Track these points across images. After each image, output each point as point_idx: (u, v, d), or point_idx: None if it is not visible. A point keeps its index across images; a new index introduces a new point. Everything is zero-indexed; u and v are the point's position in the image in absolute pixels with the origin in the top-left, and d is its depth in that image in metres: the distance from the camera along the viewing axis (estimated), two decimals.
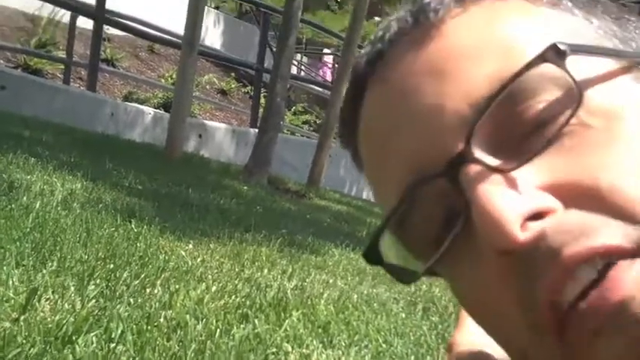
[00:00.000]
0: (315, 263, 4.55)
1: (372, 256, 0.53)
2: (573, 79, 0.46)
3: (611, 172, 0.44)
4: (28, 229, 3.25)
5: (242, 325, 2.85)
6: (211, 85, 15.37)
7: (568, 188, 0.45)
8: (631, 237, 0.42)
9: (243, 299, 3.17)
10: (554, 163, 0.46)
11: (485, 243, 0.45)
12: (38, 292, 2.54)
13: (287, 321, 3.00)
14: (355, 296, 3.78)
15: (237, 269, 3.72)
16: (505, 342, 0.50)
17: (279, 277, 3.80)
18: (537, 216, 0.44)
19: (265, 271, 3.86)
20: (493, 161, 0.46)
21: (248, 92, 15.25)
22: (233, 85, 15.75)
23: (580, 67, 0.47)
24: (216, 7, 20.09)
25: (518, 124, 0.47)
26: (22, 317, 2.33)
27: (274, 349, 2.67)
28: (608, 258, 0.42)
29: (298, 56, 19.89)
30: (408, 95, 0.51)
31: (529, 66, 0.46)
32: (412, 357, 2.91)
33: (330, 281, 4.05)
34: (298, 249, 4.85)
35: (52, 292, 2.63)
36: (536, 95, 0.47)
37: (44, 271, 2.77)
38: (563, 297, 0.43)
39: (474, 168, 0.46)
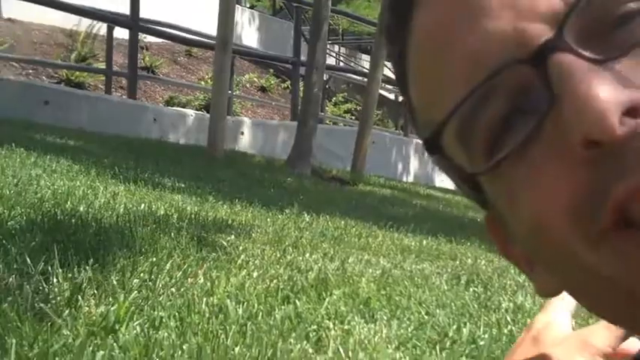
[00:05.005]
0: (358, 245, 4.58)
1: (433, 147, 0.49)
2: None
3: None
4: (72, 231, 3.35)
5: (283, 307, 2.89)
6: (251, 84, 15.51)
7: None
8: None
9: (284, 282, 3.21)
10: None
11: (574, 132, 0.41)
12: (82, 288, 2.62)
13: (328, 299, 3.03)
14: (398, 272, 3.80)
15: (278, 255, 3.77)
16: (554, 256, 0.45)
17: (320, 259, 3.83)
18: (633, 111, 0.40)
19: (307, 255, 3.90)
20: (586, 52, 0.42)
21: (288, 87, 15.35)
22: (272, 82, 15.85)
23: None
24: (251, 7, 20.25)
25: (612, 15, 0.43)
26: (66, 311, 2.41)
27: (315, 327, 2.71)
28: None
29: (336, 47, 19.92)
30: None
31: None
32: (454, 326, 2.91)
33: (373, 260, 4.07)
34: (341, 233, 4.88)
35: (97, 288, 2.71)
36: None
37: (87, 268, 2.85)
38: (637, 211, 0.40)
39: (566, 57, 0.42)
